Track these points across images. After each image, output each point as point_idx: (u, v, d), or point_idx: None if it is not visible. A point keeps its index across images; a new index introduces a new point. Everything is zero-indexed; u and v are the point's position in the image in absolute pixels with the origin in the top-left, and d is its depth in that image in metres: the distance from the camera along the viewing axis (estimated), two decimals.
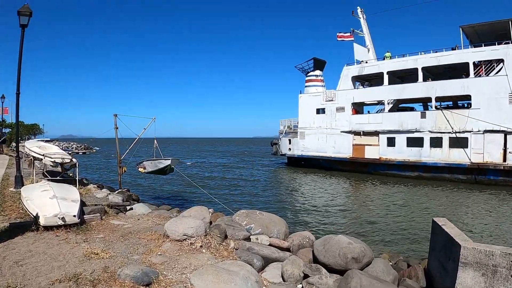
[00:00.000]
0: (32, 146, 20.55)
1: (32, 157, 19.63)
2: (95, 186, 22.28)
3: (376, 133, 41.45)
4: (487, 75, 35.09)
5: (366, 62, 45.84)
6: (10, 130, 74.51)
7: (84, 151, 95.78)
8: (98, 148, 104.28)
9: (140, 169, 25.10)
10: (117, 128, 24.88)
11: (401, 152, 39.16)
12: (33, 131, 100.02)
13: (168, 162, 24.51)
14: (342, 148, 44.04)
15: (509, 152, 32.81)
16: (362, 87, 47.81)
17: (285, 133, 52.58)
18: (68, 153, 22.78)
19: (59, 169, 21.27)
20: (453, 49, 38.38)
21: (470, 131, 34.92)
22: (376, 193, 30.40)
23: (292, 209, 23.28)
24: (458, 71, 38.40)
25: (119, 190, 22.54)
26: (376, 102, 45.47)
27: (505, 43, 34.50)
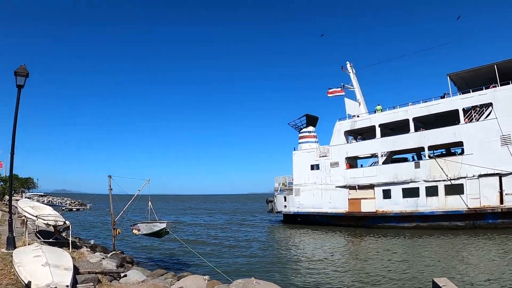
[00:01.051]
0: (25, 206, 20.21)
1: (25, 217, 19.33)
2: (88, 249, 21.72)
3: (371, 186, 41.14)
4: (478, 120, 35.48)
5: (358, 116, 46.20)
6: (3, 183, 73.60)
7: (78, 207, 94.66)
8: (91, 205, 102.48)
9: (134, 231, 24.47)
10: (111, 189, 24.56)
11: (398, 204, 38.78)
12: (27, 184, 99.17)
13: (163, 225, 23.95)
14: (338, 203, 43.50)
15: (506, 194, 32.70)
16: (355, 141, 47.90)
17: (280, 190, 52.07)
18: (61, 209, 22.53)
19: (52, 228, 20.90)
20: (442, 97, 39.23)
21: (464, 177, 35.02)
22: (374, 248, 29.39)
23: (290, 271, 22.61)
24: (448, 118, 38.63)
25: (113, 252, 21.99)
26: (370, 155, 45.36)
27: (492, 87, 35.33)
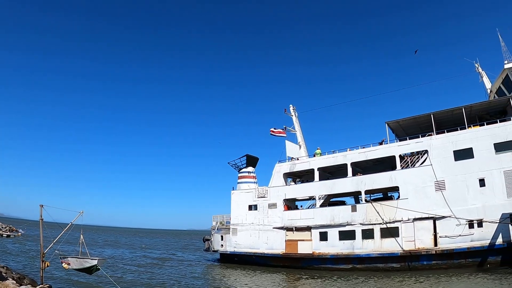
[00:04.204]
0: None
1: None
2: (14, 282, 20.48)
3: (308, 228, 40.75)
4: (413, 166, 36.53)
5: (298, 159, 46.29)
6: None
7: (8, 233, 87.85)
8: (23, 232, 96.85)
9: (64, 265, 23.16)
10: (42, 219, 23.34)
11: (334, 246, 38.54)
12: None
13: (95, 262, 22.88)
14: (275, 244, 42.77)
15: (440, 237, 33.43)
16: (293, 183, 47.64)
17: (217, 229, 50.65)
18: None
19: None
20: (380, 143, 40.08)
21: (400, 221, 35.52)
22: None
23: None
24: (385, 164, 39.82)
25: (41, 286, 20.89)
26: (308, 197, 45.01)
27: (428, 135, 36.73)
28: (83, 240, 23.56)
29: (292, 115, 51.32)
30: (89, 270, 23.28)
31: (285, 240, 42.29)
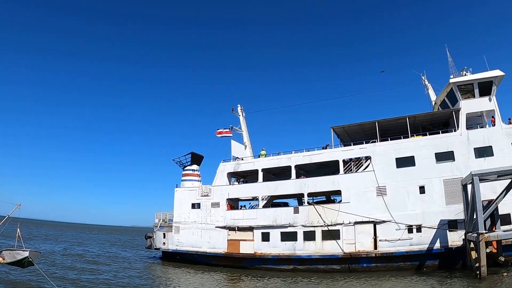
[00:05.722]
0: None
1: None
2: None
3: (250, 229, 40.43)
4: (356, 171, 37.17)
5: (242, 159, 45.85)
6: None
7: None
8: None
9: None
10: None
11: (276, 247, 38.47)
12: None
13: (26, 254, 21.60)
14: (217, 243, 42.08)
15: (379, 240, 34.17)
16: (237, 183, 47.19)
17: (160, 226, 49.36)
18: None
19: None
20: (324, 148, 40.43)
21: (341, 224, 35.99)
22: None
23: None
24: (329, 167, 40.21)
25: None
26: (251, 198, 44.77)
27: (372, 142, 37.53)
28: (19, 234, 22.28)
29: (240, 115, 50.77)
30: (21, 263, 22.02)
31: (227, 240, 41.69)
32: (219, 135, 48.52)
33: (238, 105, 51.25)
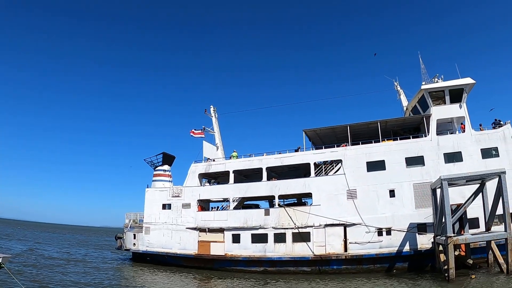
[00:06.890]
0: None
1: None
2: None
3: (221, 230, 39.95)
4: (327, 174, 37.29)
5: (214, 160, 45.32)
6: None
7: None
8: None
9: None
10: None
11: (246, 248, 38.18)
12: None
13: None
14: (187, 245, 41.39)
15: (350, 243, 34.34)
16: (208, 184, 46.69)
17: (130, 227, 48.34)
18: None
19: None
20: (296, 150, 40.37)
21: (312, 226, 35.99)
22: None
23: None
24: (300, 170, 40.34)
25: None
26: (222, 199, 44.44)
27: (343, 146, 37.80)
28: None
29: (212, 116, 50.32)
30: None
31: (198, 241, 41.09)
32: (192, 135, 48.03)
33: (211, 106, 50.81)
